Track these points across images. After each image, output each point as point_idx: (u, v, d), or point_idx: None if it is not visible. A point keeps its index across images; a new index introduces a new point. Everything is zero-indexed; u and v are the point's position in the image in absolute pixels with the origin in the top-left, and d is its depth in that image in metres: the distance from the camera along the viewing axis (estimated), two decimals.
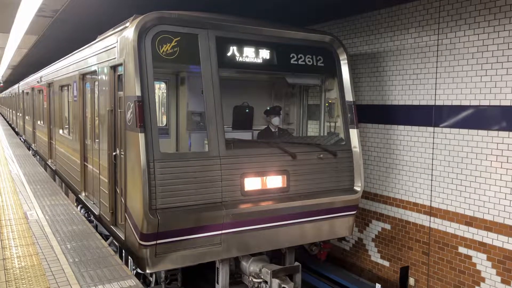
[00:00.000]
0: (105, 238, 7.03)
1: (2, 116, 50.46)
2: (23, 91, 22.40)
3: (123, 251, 6.40)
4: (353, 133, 6.76)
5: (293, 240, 6.31)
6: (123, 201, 5.82)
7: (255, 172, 5.87)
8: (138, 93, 5.15)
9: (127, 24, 5.68)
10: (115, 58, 6.03)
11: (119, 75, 6.08)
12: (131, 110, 5.30)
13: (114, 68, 6.23)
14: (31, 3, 9.01)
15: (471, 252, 6.31)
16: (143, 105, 5.17)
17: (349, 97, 6.81)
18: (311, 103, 8.35)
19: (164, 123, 8.22)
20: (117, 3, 7.99)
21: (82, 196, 8.53)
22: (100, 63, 6.95)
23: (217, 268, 6.12)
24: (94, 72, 7.44)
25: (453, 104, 6.46)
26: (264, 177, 5.95)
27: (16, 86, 28.76)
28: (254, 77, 8.04)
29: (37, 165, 13.45)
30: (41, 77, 15.12)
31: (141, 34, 5.26)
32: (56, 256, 5.61)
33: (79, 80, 8.52)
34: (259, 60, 6.15)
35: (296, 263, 6.44)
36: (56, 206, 8.23)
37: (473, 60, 6.18)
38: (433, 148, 6.81)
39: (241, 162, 5.75)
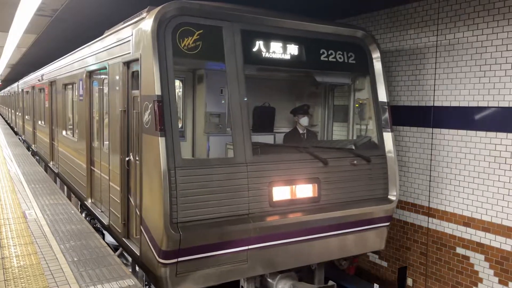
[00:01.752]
0: (114, 249, 6.51)
1: (1, 115, 50.34)
2: (22, 89, 21.92)
3: (137, 266, 5.88)
4: (388, 137, 6.26)
5: (324, 255, 5.79)
6: (138, 212, 5.30)
7: (284, 180, 5.33)
8: (158, 92, 4.62)
9: (144, 15, 5.14)
10: (129, 53, 5.55)
11: (133, 72, 5.62)
12: (149, 111, 4.78)
13: (127, 64, 5.73)
14: (30, 2, 9.01)
15: (469, 253, 6.33)
16: (163, 105, 4.64)
17: (382, 97, 6.31)
18: (337, 104, 7.71)
19: (180, 125, 7.46)
20: (116, 2, 7.99)
21: (88, 203, 7.97)
22: (110, 59, 6.44)
23: (242, 286, 5.63)
24: (103, 69, 6.91)
25: (452, 105, 6.48)
26: (294, 186, 5.43)
27: (15, 84, 28.49)
28: (275, 75, 7.43)
29: (35, 164, 13.43)
30: (42, 75, 14.63)
31: (160, 26, 4.71)
32: (55, 255, 5.61)
33: (86, 78, 7.94)
34: (287, 56, 5.63)
35: (331, 282, 5.96)
36: (54, 205, 8.23)
37: (471, 62, 6.20)
38: (431, 149, 6.83)
39: (269, 169, 5.22)
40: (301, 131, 6.88)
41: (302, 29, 5.73)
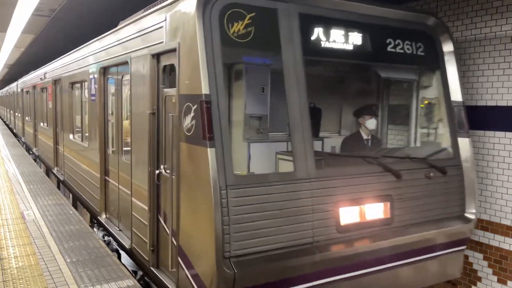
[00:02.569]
0: (133, 273, 5.74)
1: None
2: (22, 89, 21.22)
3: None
4: (464, 143, 5.39)
5: None
6: (174, 241, 4.43)
7: (352, 199, 4.46)
8: (205, 90, 3.74)
9: None
10: (161, 42, 4.65)
11: (165, 66, 4.76)
12: (192, 114, 3.91)
13: (158, 56, 4.83)
14: (28, 2, 9.00)
15: (467, 252, 6.33)
16: (212, 107, 3.77)
17: (456, 96, 5.49)
18: (394, 104, 6.64)
19: None
20: (115, 2, 7.99)
21: (102, 218, 7.10)
22: (133, 51, 5.51)
23: None
24: (123, 64, 6.02)
25: None
26: (363, 206, 4.55)
27: (14, 84, 28.18)
28: (321, 70, 6.38)
29: (34, 165, 13.42)
30: (45, 74, 13.67)
31: (206, 7, 3.84)
32: (53, 256, 5.61)
33: (100, 74, 6.98)
34: (350, 47, 4.77)
35: None
36: (53, 205, 8.22)
37: (469, 61, 6.20)
38: None
39: (336, 185, 4.35)
40: (365, 136, 5.82)
41: (367, 13, 4.88)
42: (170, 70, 4.69)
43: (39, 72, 15.53)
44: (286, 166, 4.59)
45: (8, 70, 30.87)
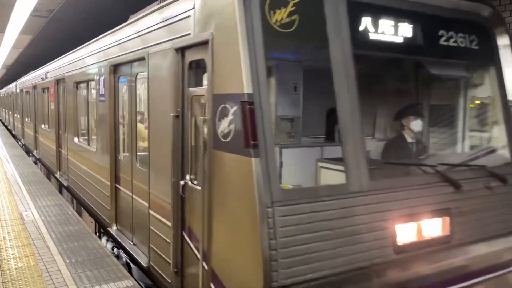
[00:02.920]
0: (145, 286, 5.38)
1: None
2: (21, 89, 20.55)
3: None
4: None
5: None
6: (205, 265, 3.89)
7: (409, 214, 3.86)
8: (248, 89, 3.24)
9: None
10: (187, 34, 4.12)
11: (191, 62, 4.24)
12: (230, 117, 3.41)
13: (183, 51, 4.28)
14: (26, 3, 9.00)
15: None
16: (255, 110, 3.25)
17: None
18: (441, 103, 6.09)
19: None
20: (113, 3, 7.99)
21: (113, 230, 6.54)
22: (151, 46, 4.96)
23: None
24: (138, 60, 5.49)
25: None
26: (420, 222, 3.96)
27: (13, 84, 27.93)
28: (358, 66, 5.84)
29: (32, 166, 13.42)
30: (46, 73, 12.98)
31: None
32: (52, 257, 5.61)
33: (109, 73, 6.47)
34: (400, 39, 4.22)
35: None
36: (52, 206, 8.22)
37: None
38: None
39: (391, 199, 3.77)
40: (409, 140, 5.24)
41: (419, 1, 4.39)
42: (196, 66, 4.21)
43: (40, 71, 14.92)
44: (331, 177, 4.12)
45: (6, 71, 30.85)
